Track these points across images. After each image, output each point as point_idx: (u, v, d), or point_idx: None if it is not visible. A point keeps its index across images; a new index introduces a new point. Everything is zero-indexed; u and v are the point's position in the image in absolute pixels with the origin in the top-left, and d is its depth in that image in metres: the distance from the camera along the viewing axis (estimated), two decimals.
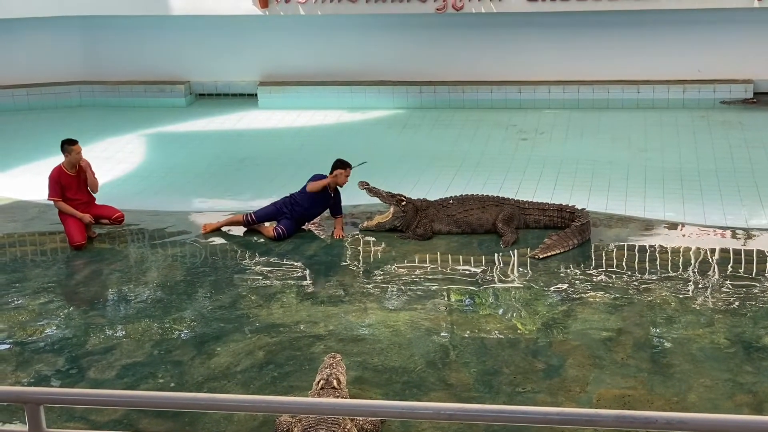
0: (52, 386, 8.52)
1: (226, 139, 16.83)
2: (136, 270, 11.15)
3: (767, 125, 15.99)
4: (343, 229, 11.92)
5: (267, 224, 12.06)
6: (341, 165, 11.91)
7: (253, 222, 12.05)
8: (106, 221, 12.04)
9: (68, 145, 11.76)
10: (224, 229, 12.19)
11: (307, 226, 12.17)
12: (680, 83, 17.37)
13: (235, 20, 18.34)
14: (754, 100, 17.11)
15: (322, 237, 11.96)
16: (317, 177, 11.95)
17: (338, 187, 11.99)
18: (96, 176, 11.91)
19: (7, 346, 9.29)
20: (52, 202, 11.90)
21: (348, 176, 11.96)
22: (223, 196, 13.88)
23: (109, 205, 12.11)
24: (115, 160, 15.36)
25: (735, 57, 17.24)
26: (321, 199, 11.91)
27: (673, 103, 17.26)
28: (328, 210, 12.11)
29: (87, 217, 11.72)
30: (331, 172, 11.89)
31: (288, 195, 12.15)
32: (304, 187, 11.99)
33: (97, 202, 12.06)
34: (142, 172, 15.00)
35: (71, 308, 10.15)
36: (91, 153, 15.66)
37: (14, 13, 18.10)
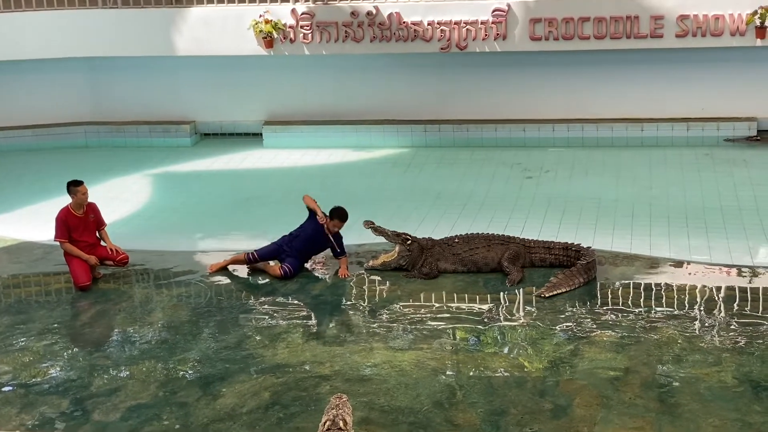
0: (56, 429, 8.47)
1: (231, 179, 16.86)
2: (141, 310, 11.12)
3: None
4: (348, 269, 11.90)
5: (272, 263, 12.05)
6: (337, 216, 11.91)
7: (255, 260, 12.05)
8: (111, 262, 12.06)
9: (74, 187, 11.80)
10: (230, 268, 12.19)
11: (311, 266, 12.15)
12: (684, 121, 17.41)
13: (239, 60, 18.44)
14: (758, 138, 17.14)
15: (328, 276, 11.94)
16: (313, 216, 11.99)
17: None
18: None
19: (12, 388, 9.24)
20: (58, 243, 11.89)
21: (338, 227, 11.96)
22: (229, 235, 13.87)
23: (115, 249, 12.10)
24: (120, 200, 15.37)
25: (738, 95, 17.29)
26: (318, 237, 11.91)
27: (677, 141, 17.29)
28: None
29: (93, 259, 11.73)
30: (329, 215, 11.91)
31: (287, 234, 12.16)
32: (303, 224, 12.01)
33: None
34: (148, 212, 15.01)
35: (76, 349, 10.12)
36: (97, 193, 15.66)
37: (21, 54, 18.19)
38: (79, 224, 11.79)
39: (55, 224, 11.83)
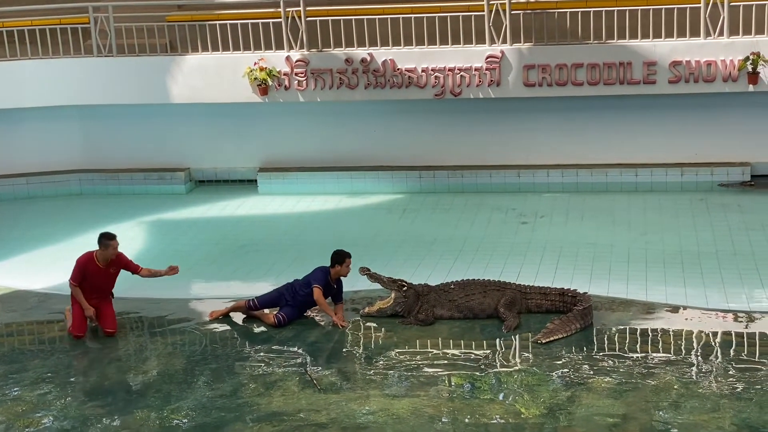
0: None
1: (226, 226, 16.85)
2: (136, 359, 11.06)
3: (766, 208, 16.03)
4: (342, 317, 11.85)
5: (267, 311, 12.01)
6: (340, 258, 11.88)
7: (255, 307, 12.01)
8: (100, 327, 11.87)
9: (106, 240, 11.60)
10: (231, 314, 12.15)
11: (309, 314, 12.10)
12: (678, 166, 17.47)
13: (234, 108, 18.50)
14: (752, 183, 17.19)
15: (323, 324, 11.88)
16: (319, 272, 11.89)
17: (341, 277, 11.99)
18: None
19: None
20: (66, 286, 11.73)
21: (349, 266, 11.94)
22: (224, 282, 13.84)
23: (113, 316, 11.84)
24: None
25: (732, 140, 17.36)
26: (324, 290, 11.85)
27: (672, 186, 17.33)
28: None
29: (90, 311, 11.58)
30: (331, 265, 11.87)
31: (291, 281, 12.12)
32: (307, 278, 11.95)
33: None
34: (142, 259, 14.82)
35: (69, 399, 10.03)
36: (92, 241, 15.65)
37: (15, 102, 18.26)
38: (98, 274, 11.62)
39: (74, 265, 11.65)
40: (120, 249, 15.01)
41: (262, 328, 11.79)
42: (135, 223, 16.96)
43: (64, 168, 19.28)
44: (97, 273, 11.59)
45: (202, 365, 10.70)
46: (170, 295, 13.22)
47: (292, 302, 11.86)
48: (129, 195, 18.86)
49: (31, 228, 16.84)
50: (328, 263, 11.94)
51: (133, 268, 11.84)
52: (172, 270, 12.00)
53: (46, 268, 14.50)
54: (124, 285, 13.13)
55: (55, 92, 18.22)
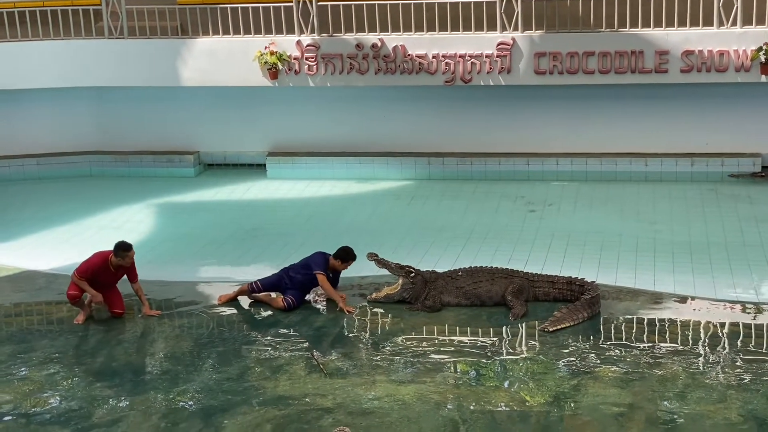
0: None
1: (234, 210, 16.85)
2: (143, 341, 11.09)
3: None
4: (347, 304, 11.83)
5: (274, 295, 12.03)
6: (347, 256, 11.90)
7: (258, 289, 12.03)
8: (106, 308, 11.87)
9: (123, 252, 11.48)
10: (238, 298, 12.19)
11: (314, 298, 12.11)
12: (688, 156, 17.42)
13: (244, 92, 18.50)
14: (762, 174, 17.12)
15: (330, 309, 11.88)
16: (320, 257, 11.93)
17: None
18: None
19: (13, 418, 9.20)
20: (72, 272, 11.65)
21: (348, 267, 12.01)
22: (232, 266, 13.86)
23: (120, 298, 11.85)
24: (124, 230, 15.34)
25: (743, 131, 17.30)
26: (315, 279, 11.90)
27: (682, 176, 17.27)
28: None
29: (98, 297, 11.54)
30: (335, 257, 11.89)
31: (288, 266, 12.15)
32: (305, 261, 11.99)
33: None
34: (151, 242, 14.99)
35: (77, 379, 10.07)
36: (101, 223, 15.80)
37: (26, 83, 18.28)
38: (106, 275, 11.57)
39: (86, 262, 11.57)
40: (129, 231, 15.12)
41: (269, 312, 11.81)
42: (144, 206, 16.98)
43: (74, 149, 19.31)
44: (105, 273, 11.57)
45: (209, 348, 10.73)
46: (178, 278, 13.25)
47: (292, 285, 11.88)
48: (138, 177, 18.87)
49: (41, 209, 16.88)
50: (333, 248, 11.95)
51: (132, 277, 11.74)
52: (154, 312, 11.85)
53: (55, 249, 14.53)
54: None
55: (66, 74, 18.23)
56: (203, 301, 12.34)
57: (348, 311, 11.65)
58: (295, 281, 11.92)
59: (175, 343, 10.91)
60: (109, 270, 11.55)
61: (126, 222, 15.96)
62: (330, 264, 11.90)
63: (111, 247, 11.59)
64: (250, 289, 12.07)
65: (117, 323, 11.57)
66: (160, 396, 9.55)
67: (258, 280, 12.11)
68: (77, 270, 11.55)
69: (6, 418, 9.20)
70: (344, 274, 12.18)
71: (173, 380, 9.92)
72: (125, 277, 11.74)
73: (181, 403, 9.42)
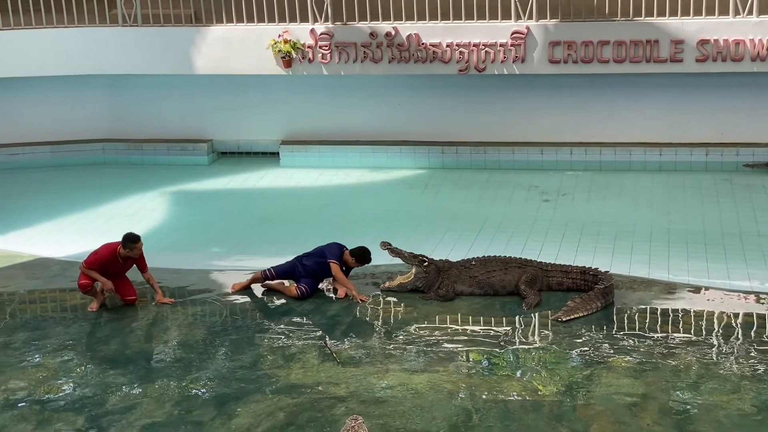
0: None
1: (247, 198, 16.87)
2: (157, 328, 11.12)
3: None
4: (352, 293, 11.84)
5: (287, 284, 12.04)
6: (364, 258, 11.89)
7: (272, 277, 12.04)
8: (119, 296, 11.88)
9: (131, 243, 11.45)
10: (252, 286, 12.20)
11: (327, 286, 12.11)
12: (703, 146, 17.33)
13: (258, 80, 18.48)
14: None
15: (343, 297, 11.87)
16: (336, 247, 11.93)
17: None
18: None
19: (27, 405, 9.23)
20: (80, 264, 11.65)
21: (356, 266, 12.01)
22: (245, 254, 13.87)
23: (131, 285, 11.87)
24: (137, 218, 15.39)
25: (758, 120, 17.18)
26: (329, 268, 11.89)
27: (696, 166, 17.19)
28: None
29: (109, 284, 11.53)
30: (351, 254, 11.86)
31: (302, 254, 12.15)
32: (320, 249, 11.99)
33: None
34: (164, 229, 15.02)
35: (91, 366, 10.11)
36: (114, 210, 15.84)
37: (40, 71, 18.28)
38: (115, 265, 11.54)
39: (94, 254, 11.55)
40: (142, 219, 15.15)
41: (283, 301, 11.83)
42: (157, 194, 17.01)
43: (88, 137, 19.31)
44: (114, 265, 11.55)
45: (223, 336, 10.75)
46: (191, 266, 13.27)
47: (304, 273, 11.89)
48: (152, 165, 18.88)
49: (55, 196, 16.92)
50: (346, 237, 11.95)
51: (142, 267, 11.72)
52: (167, 300, 11.84)
53: (69, 237, 14.58)
54: (146, 255, 13.19)
55: (79, 61, 18.22)
56: (216, 289, 12.36)
57: (361, 300, 11.65)
58: (308, 269, 11.92)
59: (189, 331, 10.93)
60: (118, 261, 11.55)
61: (139, 210, 15.99)
62: (344, 257, 11.88)
63: (122, 236, 11.59)
64: (264, 277, 12.08)
65: (130, 311, 11.60)
66: (174, 383, 9.58)
67: (271, 267, 12.11)
68: (85, 261, 11.55)
69: (20, 405, 9.24)
70: None
71: (186, 368, 9.94)
72: (135, 267, 11.76)
73: (194, 391, 9.44)
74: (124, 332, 11.03)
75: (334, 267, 11.75)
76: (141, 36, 18.17)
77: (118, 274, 11.69)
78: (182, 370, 9.87)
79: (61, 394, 9.46)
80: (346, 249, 11.95)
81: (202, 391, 9.44)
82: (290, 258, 12.21)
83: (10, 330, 11.12)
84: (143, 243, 11.65)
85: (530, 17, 16.93)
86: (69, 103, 19.19)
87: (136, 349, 10.59)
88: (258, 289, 12.16)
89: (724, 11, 16.35)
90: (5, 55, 18.09)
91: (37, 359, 10.27)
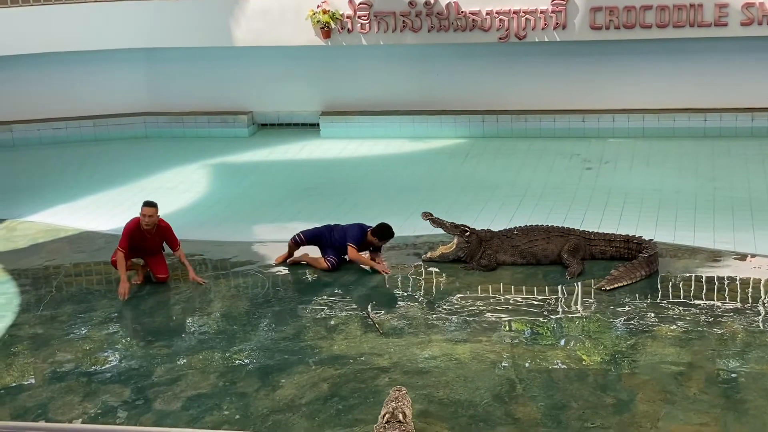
0: (118, 417, 8.55)
1: (288, 169, 16.89)
2: (200, 301, 11.18)
3: None
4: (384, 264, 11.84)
5: (317, 257, 11.98)
6: (384, 235, 11.79)
7: (302, 242, 12.03)
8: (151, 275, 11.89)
9: (143, 207, 11.43)
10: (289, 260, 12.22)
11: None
12: (748, 111, 17.07)
13: (297, 51, 18.46)
14: None
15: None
16: (358, 229, 11.87)
17: None
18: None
19: (75, 377, 9.34)
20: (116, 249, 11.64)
21: (384, 244, 11.94)
22: (287, 225, 13.86)
23: (164, 262, 11.84)
24: (179, 191, 15.48)
25: None
26: (358, 240, 11.86)
27: (741, 132, 16.94)
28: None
29: (125, 286, 11.28)
30: (373, 233, 11.78)
31: (333, 224, 12.16)
32: (344, 229, 11.95)
33: None
34: (206, 202, 15.09)
35: (136, 339, 10.21)
36: (156, 183, 15.93)
37: (81, 45, 18.39)
38: (143, 238, 11.49)
39: (123, 231, 11.54)
40: (184, 192, 15.17)
41: (324, 273, 11.82)
42: (199, 166, 17.08)
43: (129, 111, 19.44)
44: (142, 238, 11.51)
45: (265, 308, 10.79)
46: (233, 238, 13.32)
47: (330, 243, 11.89)
48: (193, 138, 18.96)
49: (98, 170, 17.05)
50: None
51: (173, 245, 11.70)
52: (200, 280, 11.80)
53: (112, 210, 14.68)
54: (188, 227, 13.28)
55: (120, 35, 18.30)
56: (258, 261, 12.41)
57: (385, 272, 11.60)
58: (334, 242, 11.90)
59: (232, 303, 10.99)
60: (144, 234, 11.53)
61: (181, 183, 16.06)
62: (368, 238, 11.84)
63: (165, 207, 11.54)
64: (294, 243, 12.05)
65: (174, 284, 11.66)
66: (218, 355, 9.65)
67: (300, 232, 12.09)
68: (119, 244, 11.50)
69: (68, 377, 9.34)
70: (399, 233, 12.13)
71: (230, 340, 10.00)
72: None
73: (238, 362, 9.50)
74: (168, 305, 11.12)
75: (351, 250, 11.73)
76: (180, 9, 18.21)
77: (147, 250, 11.69)
78: (226, 342, 9.94)
79: (107, 366, 9.57)
80: (369, 229, 11.89)
81: (246, 362, 9.50)
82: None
83: (56, 303, 11.24)
84: (157, 210, 11.50)
85: None
86: (110, 77, 19.30)
87: (180, 321, 10.67)
88: (299, 264, 12.12)
89: None
90: (44, 29, 18.20)
91: (84, 332, 10.39)
